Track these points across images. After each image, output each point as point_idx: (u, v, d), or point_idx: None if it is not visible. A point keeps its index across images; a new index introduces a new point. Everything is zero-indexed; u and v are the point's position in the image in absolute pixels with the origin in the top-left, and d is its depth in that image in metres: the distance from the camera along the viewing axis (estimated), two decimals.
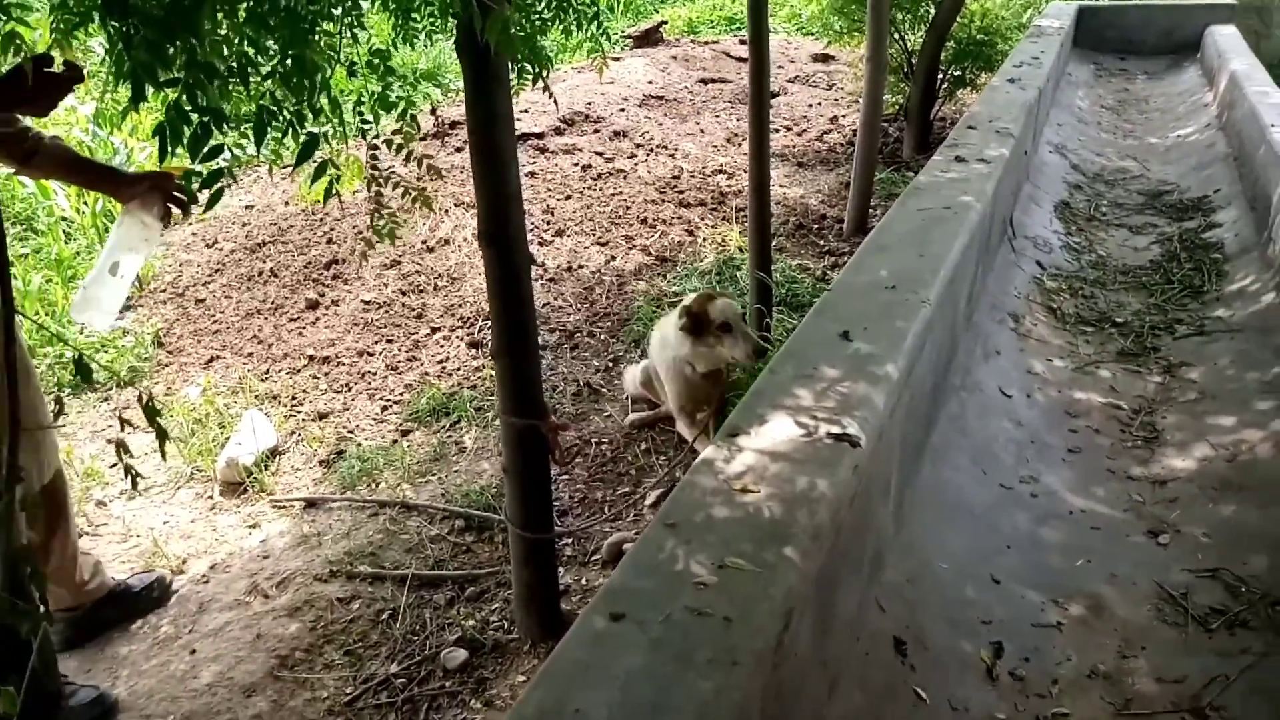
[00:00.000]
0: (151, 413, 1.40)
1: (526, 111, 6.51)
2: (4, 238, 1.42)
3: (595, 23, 2.97)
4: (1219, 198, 4.62)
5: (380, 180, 2.44)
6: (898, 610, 2.00)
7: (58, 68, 2.04)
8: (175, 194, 2.46)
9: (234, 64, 1.63)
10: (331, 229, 5.25)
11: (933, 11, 6.50)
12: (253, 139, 1.69)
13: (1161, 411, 2.98)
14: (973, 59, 6.76)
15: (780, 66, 8.68)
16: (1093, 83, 7.32)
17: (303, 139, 1.68)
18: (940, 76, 6.71)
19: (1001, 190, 3.49)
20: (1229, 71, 5.70)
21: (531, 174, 5.74)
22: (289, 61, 1.66)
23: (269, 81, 1.70)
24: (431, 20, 2.66)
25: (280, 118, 1.71)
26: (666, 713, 1.12)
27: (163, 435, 1.43)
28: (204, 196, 1.68)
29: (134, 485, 1.43)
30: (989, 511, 2.48)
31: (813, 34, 9.62)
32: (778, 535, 1.43)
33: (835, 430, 1.69)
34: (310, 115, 1.79)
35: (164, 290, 4.85)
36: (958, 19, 6.51)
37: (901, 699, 1.81)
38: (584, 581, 2.84)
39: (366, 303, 4.58)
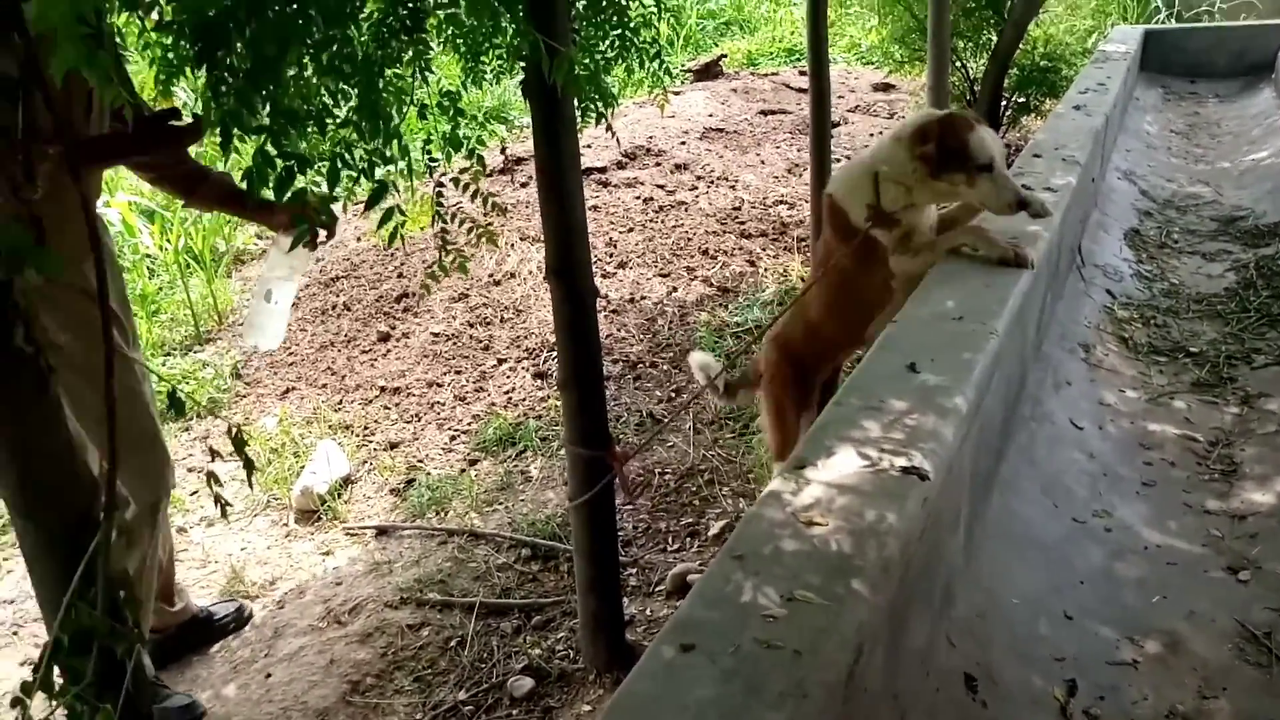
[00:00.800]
0: (239, 443, 1.46)
1: (589, 146, 6.61)
2: (105, 274, 1.51)
3: (657, 59, 3.03)
4: None
5: (445, 218, 2.52)
6: (968, 646, 1.98)
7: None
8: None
9: (312, 110, 1.72)
10: (402, 264, 5.38)
11: (994, 39, 6.46)
12: (326, 181, 1.78)
13: (1239, 444, 2.90)
14: (1036, 86, 6.70)
15: (840, 96, 8.68)
16: (1161, 107, 7.19)
17: (373, 186, 1.75)
18: (1004, 104, 6.66)
19: (1069, 218, 3.45)
20: None
21: (594, 207, 5.82)
22: (363, 108, 1.74)
23: (344, 129, 1.78)
24: (500, 62, 2.75)
25: (353, 161, 1.79)
26: None
27: (250, 465, 1.50)
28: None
29: (224, 514, 1.50)
30: (1060, 545, 2.44)
31: (873, 63, 9.62)
32: (846, 568, 1.43)
33: (903, 463, 1.69)
34: (381, 160, 1.87)
35: (241, 323, 5.02)
36: (1020, 46, 6.46)
37: None
38: (648, 612, 2.85)
39: (435, 335, 4.69)
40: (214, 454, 1.52)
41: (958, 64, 6.78)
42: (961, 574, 2.11)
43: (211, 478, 1.47)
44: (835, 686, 1.25)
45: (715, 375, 2.95)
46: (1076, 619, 2.19)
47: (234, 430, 1.49)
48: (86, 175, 2.30)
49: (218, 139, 1.54)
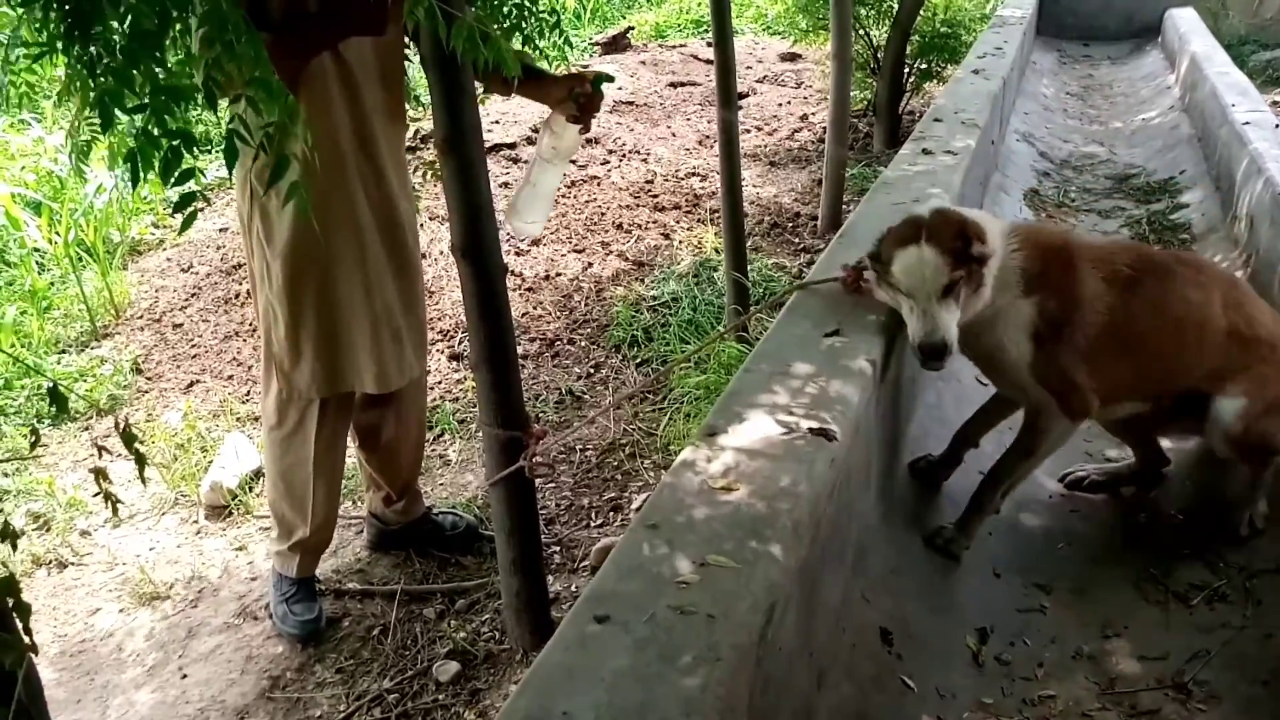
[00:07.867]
0: (129, 438, 1.40)
1: (497, 123, 6.51)
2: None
3: (556, 29, 2.97)
4: (1184, 179, 4.68)
5: None
6: (883, 601, 2.02)
7: None
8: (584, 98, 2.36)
9: (200, 88, 1.63)
10: None
11: (896, 7, 6.55)
12: (224, 162, 1.70)
13: None
14: (937, 52, 6.81)
15: (749, 67, 8.72)
16: (1057, 70, 7.40)
17: (274, 161, 1.68)
18: (906, 71, 6.76)
19: (969, 180, 3.53)
20: (1189, 53, 5.77)
21: (505, 185, 5.74)
22: (255, 81, 1.66)
23: (238, 104, 1.70)
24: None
25: (250, 140, 1.71)
26: (653, 712, 1.14)
27: (141, 460, 1.43)
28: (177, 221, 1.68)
29: (114, 512, 1.43)
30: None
31: (780, 33, 9.67)
32: (758, 531, 1.44)
33: (812, 425, 1.71)
34: (282, 133, 1.79)
35: (140, 317, 4.83)
36: (921, 13, 6.56)
37: (890, 688, 1.83)
38: (573, 588, 2.84)
39: None
40: (101, 450, 1.45)
41: (861, 32, 6.85)
42: (874, 531, 2.15)
43: (99, 474, 1.40)
44: (748, 648, 1.26)
45: None
46: (987, 570, 2.26)
47: (122, 425, 1.43)
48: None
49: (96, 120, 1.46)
